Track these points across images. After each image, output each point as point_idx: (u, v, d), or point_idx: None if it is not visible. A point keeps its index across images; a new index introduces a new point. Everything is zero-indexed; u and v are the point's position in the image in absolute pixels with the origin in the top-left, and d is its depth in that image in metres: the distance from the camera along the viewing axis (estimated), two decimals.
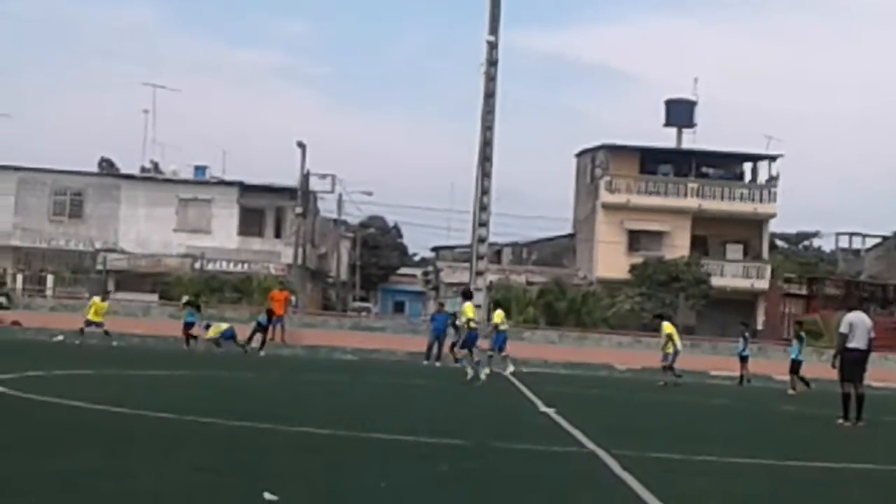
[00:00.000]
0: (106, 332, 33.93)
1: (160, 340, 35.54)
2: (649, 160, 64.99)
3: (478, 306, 46.70)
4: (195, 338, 34.30)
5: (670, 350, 30.85)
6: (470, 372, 26.77)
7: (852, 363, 19.49)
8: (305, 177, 59.49)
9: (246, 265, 61.75)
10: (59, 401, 15.43)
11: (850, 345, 19.49)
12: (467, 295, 29.50)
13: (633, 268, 59.49)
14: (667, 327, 31.42)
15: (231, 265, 61.94)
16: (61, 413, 14.39)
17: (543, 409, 19.27)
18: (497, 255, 69.04)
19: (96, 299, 35.45)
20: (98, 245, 62.81)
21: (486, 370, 27.35)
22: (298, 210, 59.12)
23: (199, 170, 65.77)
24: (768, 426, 20.60)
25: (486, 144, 46.94)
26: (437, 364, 34.52)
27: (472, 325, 27.25)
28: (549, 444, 13.69)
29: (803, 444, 17.11)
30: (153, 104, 66.69)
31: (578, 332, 44.22)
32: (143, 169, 66.61)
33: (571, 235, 69.41)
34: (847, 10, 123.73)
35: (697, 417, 21.71)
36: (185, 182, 65.18)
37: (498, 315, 29.42)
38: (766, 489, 11.20)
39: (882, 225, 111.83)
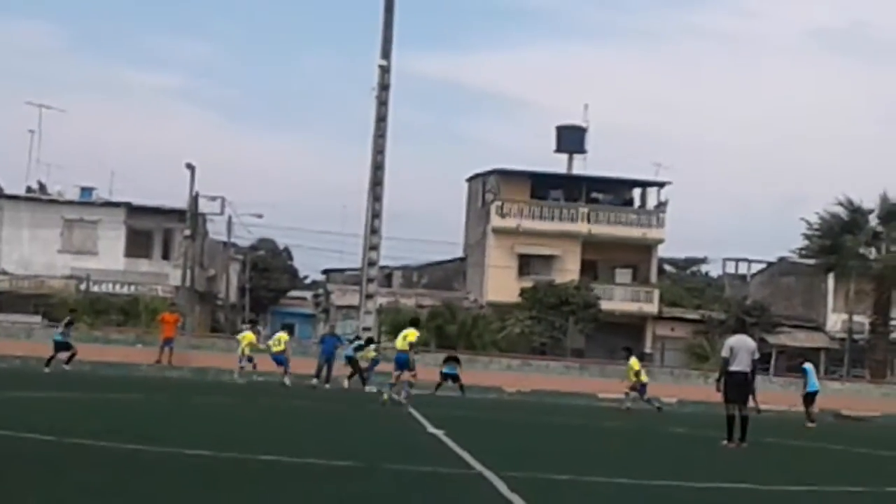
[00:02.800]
0: None
1: (42, 362, 34.77)
2: (540, 185, 65.46)
3: (368, 332, 46.79)
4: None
5: (634, 379, 32.96)
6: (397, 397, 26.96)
7: (735, 385, 19.74)
8: (194, 198, 58.72)
9: (133, 287, 60.76)
10: None
11: (733, 368, 19.72)
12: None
13: (523, 291, 59.78)
14: (633, 363, 32.62)
15: (117, 287, 60.92)
16: None
17: (432, 430, 19.23)
18: (388, 279, 68.89)
19: None
20: None
21: (386, 395, 27.31)
22: (187, 232, 58.34)
23: (86, 191, 64.60)
24: (656, 448, 20.80)
25: (378, 168, 46.90)
26: (327, 386, 34.50)
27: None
28: (436, 465, 13.62)
29: (688, 464, 17.30)
30: (39, 124, 65.47)
31: (468, 354, 44.20)
32: (28, 189, 65.29)
33: (462, 259, 69.59)
34: (741, 40, 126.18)
35: (586, 439, 21.83)
36: (71, 203, 63.94)
37: (411, 334, 28.62)
38: None
39: (767, 251, 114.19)
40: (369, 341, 37.83)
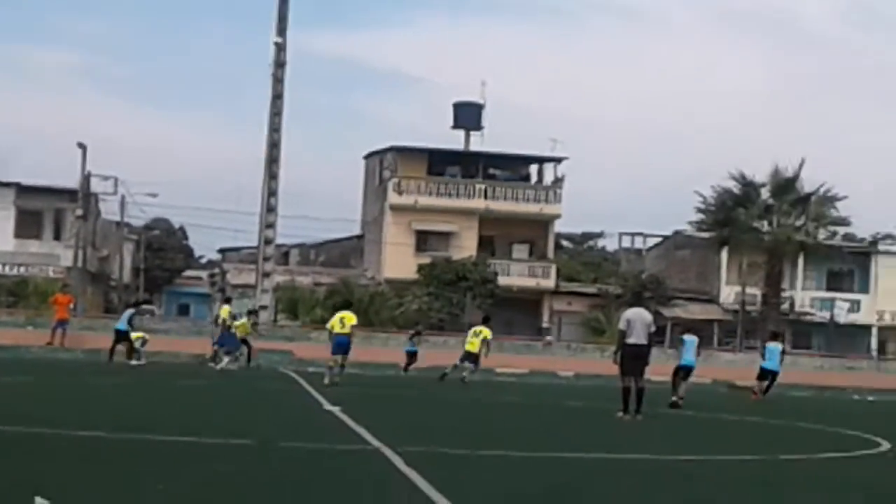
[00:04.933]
0: None
1: None
2: (437, 162, 65.43)
3: (264, 310, 46.38)
4: None
5: (475, 347, 31.72)
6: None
7: (631, 358, 19.93)
8: (86, 178, 57.65)
9: (23, 268, 59.63)
10: None
11: (629, 340, 19.94)
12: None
13: (420, 268, 59.76)
14: (486, 333, 31.81)
15: (7, 268, 59.75)
16: None
17: (329, 407, 19.11)
18: (284, 257, 68.45)
19: None
20: None
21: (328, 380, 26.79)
22: (79, 212, 57.27)
23: None
24: (551, 421, 20.89)
25: (274, 146, 46.55)
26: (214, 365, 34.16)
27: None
28: (334, 442, 13.53)
29: (584, 437, 17.42)
30: None
31: (366, 331, 44.04)
32: None
33: (359, 237, 69.35)
34: (639, 17, 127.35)
35: (484, 414, 21.86)
36: None
37: (350, 317, 28.12)
38: (546, 480, 11.27)
39: (662, 225, 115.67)
40: (250, 313, 37.63)
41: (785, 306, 61.09)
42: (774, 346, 31.92)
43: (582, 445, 15.48)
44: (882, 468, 14.55)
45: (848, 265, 66.32)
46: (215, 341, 35.01)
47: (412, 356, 37.31)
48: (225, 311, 35.47)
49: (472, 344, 31.75)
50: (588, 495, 10.61)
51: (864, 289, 66.59)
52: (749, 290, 59.73)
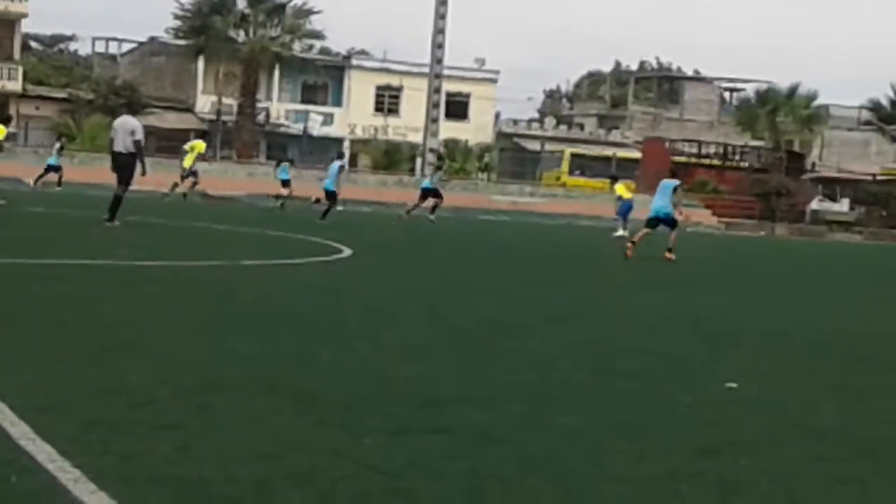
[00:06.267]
0: None
1: None
2: None
3: None
4: None
5: None
6: None
7: (117, 166, 19.86)
8: None
9: None
10: None
11: (115, 149, 19.86)
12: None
13: None
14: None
15: None
16: None
17: None
18: None
19: None
20: None
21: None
22: None
23: None
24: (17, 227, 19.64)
25: None
26: None
27: None
28: None
29: (63, 244, 16.40)
30: None
31: None
32: None
33: None
34: None
35: None
36: None
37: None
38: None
39: (138, 30, 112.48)
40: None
41: (261, 117, 61.62)
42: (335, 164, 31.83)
43: (60, 252, 14.51)
44: (332, 270, 15.07)
45: (322, 78, 67.60)
46: None
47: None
48: None
49: None
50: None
51: (338, 102, 68.31)
52: (225, 100, 59.57)
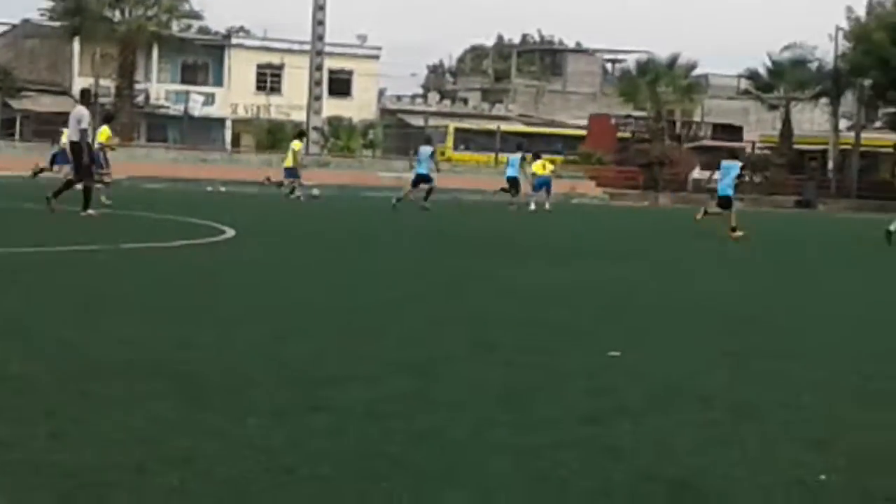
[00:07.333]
0: None
1: None
2: None
3: None
4: None
5: None
6: None
7: (72, 156, 20.34)
8: None
9: None
10: None
11: (71, 139, 20.15)
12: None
13: None
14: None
15: None
16: None
17: None
18: None
19: None
20: None
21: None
22: None
23: None
24: None
25: None
26: None
27: None
28: None
29: None
30: None
31: None
32: None
33: None
34: None
35: None
36: None
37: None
38: None
39: (11, 12, 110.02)
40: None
41: (140, 99, 60.63)
42: (425, 149, 31.05)
43: None
44: (214, 252, 14.89)
45: (202, 58, 66.71)
46: None
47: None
48: None
49: None
50: None
51: (219, 82, 67.44)
52: (103, 81, 58.37)
